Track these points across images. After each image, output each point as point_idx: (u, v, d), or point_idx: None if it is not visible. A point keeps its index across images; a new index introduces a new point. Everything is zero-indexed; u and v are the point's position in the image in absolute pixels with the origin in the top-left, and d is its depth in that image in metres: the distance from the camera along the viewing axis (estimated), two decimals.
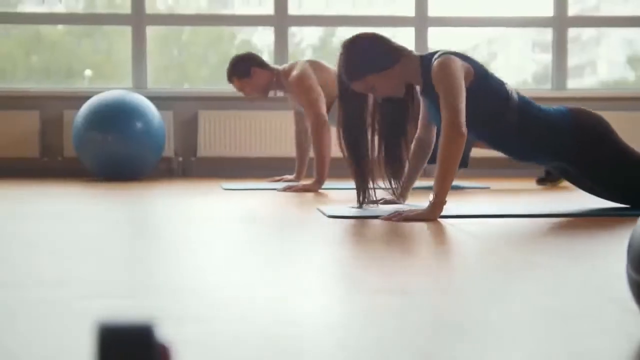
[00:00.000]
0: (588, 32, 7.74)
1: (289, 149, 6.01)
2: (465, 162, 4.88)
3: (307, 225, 2.87)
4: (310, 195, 4.31)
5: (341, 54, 3.20)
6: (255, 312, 1.44)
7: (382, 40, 3.20)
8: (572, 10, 6.68)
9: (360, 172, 3.28)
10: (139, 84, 6.33)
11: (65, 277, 1.80)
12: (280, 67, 4.98)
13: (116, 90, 5.79)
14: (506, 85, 3.17)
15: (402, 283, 1.74)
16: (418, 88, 3.24)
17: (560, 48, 6.55)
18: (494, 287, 1.72)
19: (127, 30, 6.41)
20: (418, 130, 3.44)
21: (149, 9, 6.44)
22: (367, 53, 3.15)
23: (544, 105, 3.23)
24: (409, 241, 2.45)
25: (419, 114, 3.34)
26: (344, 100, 3.26)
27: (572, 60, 6.92)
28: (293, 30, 6.88)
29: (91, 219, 3.08)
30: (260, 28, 6.65)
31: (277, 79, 4.91)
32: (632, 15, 7.00)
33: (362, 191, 3.27)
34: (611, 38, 7.70)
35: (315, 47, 7.49)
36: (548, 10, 6.56)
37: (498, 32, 7.68)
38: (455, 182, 5.14)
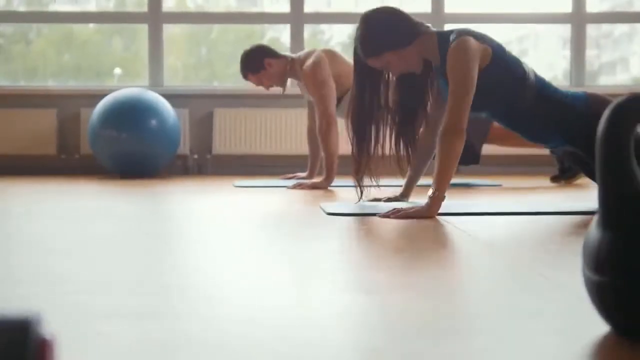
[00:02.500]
0: (620, 29, 7.66)
1: (304, 147, 5.99)
2: (476, 159, 4.85)
3: (303, 223, 2.87)
4: (319, 192, 4.31)
5: (358, 28, 3.16)
6: (231, 308, 1.45)
7: (401, 16, 3.15)
8: (604, 6, 6.60)
9: (360, 161, 3.23)
10: (155, 82, 6.36)
11: (72, 274, 1.81)
12: (295, 55, 4.95)
13: (132, 88, 5.83)
14: (524, 65, 3.13)
15: (378, 282, 1.74)
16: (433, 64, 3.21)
17: (578, 45, 6.49)
18: (473, 286, 1.72)
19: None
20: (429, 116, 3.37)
21: (166, 7, 6.47)
22: (386, 29, 3.11)
23: (562, 89, 3.19)
24: (401, 238, 2.44)
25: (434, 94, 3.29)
26: (359, 77, 3.20)
27: (604, 56, 6.84)
28: (322, 27, 6.88)
29: (99, 217, 3.11)
30: (290, 25, 6.64)
31: (292, 67, 4.85)
32: None
33: (359, 187, 3.25)
34: None
35: (344, 45, 7.49)
36: (567, 7, 6.50)
37: (528, 29, 7.62)
38: (466, 180, 5.14)
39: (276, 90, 6.39)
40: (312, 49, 4.95)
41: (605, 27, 6.83)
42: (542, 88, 3.14)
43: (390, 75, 3.21)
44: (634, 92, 1.15)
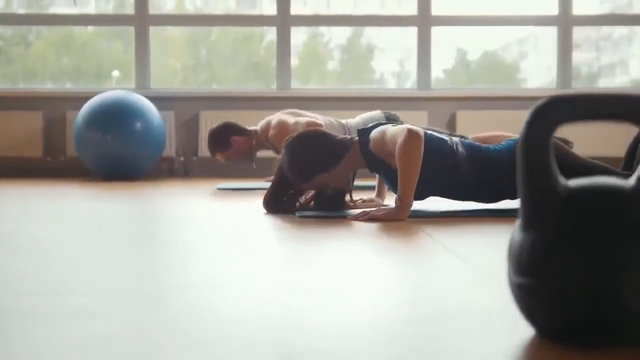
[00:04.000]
0: (619, 31, 7.66)
1: None
2: None
3: (272, 224, 2.87)
4: None
5: (285, 156, 3.18)
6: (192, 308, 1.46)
7: (325, 138, 3.19)
8: (603, 9, 6.57)
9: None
10: (141, 85, 6.37)
11: (65, 276, 1.82)
12: (257, 127, 4.97)
13: (117, 90, 5.85)
14: (448, 141, 3.12)
15: (320, 282, 1.75)
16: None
17: (564, 47, 6.50)
18: (416, 285, 1.72)
19: (155, 31, 6.49)
20: None
21: (153, 9, 6.48)
22: (313, 155, 3.15)
23: (493, 145, 3.17)
24: (361, 240, 2.45)
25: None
26: (281, 185, 3.25)
27: (604, 59, 6.83)
28: (322, 30, 6.88)
29: (74, 219, 3.11)
30: (276, 27, 6.65)
31: (257, 140, 4.93)
32: (637, 14, 6.94)
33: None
34: None
35: (343, 47, 7.50)
36: (553, 9, 6.51)
37: (528, 31, 7.61)
38: None
39: (263, 91, 6.42)
40: (268, 117, 4.95)
41: (605, 29, 6.80)
42: (473, 152, 3.12)
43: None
44: (555, 94, 1.16)
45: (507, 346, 1.22)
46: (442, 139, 3.12)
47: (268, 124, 4.84)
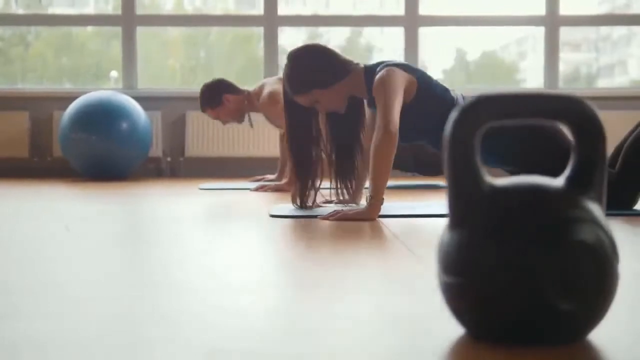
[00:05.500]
0: (618, 31, 7.65)
1: (276, 149, 6.02)
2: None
3: (242, 225, 2.88)
4: (281, 194, 4.31)
5: (286, 66, 3.19)
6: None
7: (329, 54, 3.19)
8: (603, 9, 6.56)
9: (303, 177, 3.24)
10: (128, 85, 6.37)
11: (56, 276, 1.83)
12: (250, 89, 4.99)
13: (103, 90, 5.85)
14: (451, 92, 3.16)
15: (264, 282, 1.75)
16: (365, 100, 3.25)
17: (551, 47, 6.49)
18: (360, 288, 1.72)
19: (154, 31, 6.50)
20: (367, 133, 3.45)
21: (145, 9, 6.49)
22: (313, 67, 3.14)
23: None
24: (322, 240, 2.45)
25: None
26: (290, 112, 3.23)
27: (603, 59, 6.81)
28: (321, 30, 6.90)
29: (52, 220, 3.12)
30: (286, 28, 6.66)
31: (249, 101, 4.93)
32: (629, 14, 6.94)
33: (303, 194, 3.24)
34: None
35: (342, 48, 7.51)
36: (541, 9, 6.51)
37: (527, 32, 7.62)
38: (434, 182, 5.14)
39: None
40: (265, 80, 4.97)
41: (604, 29, 6.76)
42: None
43: (320, 114, 3.24)
44: (482, 94, 1.16)
45: (436, 346, 1.22)
46: (447, 89, 3.17)
47: (261, 88, 4.85)
